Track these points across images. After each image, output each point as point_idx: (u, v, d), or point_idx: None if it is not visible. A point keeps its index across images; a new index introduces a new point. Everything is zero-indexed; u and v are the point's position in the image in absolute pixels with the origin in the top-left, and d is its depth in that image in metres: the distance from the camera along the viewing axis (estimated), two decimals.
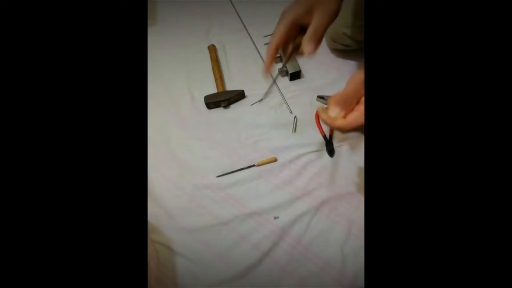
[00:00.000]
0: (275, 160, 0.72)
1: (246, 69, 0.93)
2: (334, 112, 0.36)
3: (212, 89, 0.88)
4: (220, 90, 0.86)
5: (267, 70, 0.44)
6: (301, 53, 0.43)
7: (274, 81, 0.43)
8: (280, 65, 0.88)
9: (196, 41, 1.02)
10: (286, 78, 0.85)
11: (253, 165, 0.72)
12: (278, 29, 0.43)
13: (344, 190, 0.66)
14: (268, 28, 1.00)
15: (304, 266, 0.58)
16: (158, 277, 0.59)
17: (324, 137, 0.73)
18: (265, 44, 0.98)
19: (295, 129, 0.77)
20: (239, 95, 0.85)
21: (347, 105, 0.36)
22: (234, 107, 0.85)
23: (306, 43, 0.41)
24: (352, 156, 0.71)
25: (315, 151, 0.72)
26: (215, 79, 0.89)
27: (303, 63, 0.86)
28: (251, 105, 0.84)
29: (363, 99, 0.36)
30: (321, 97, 0.39)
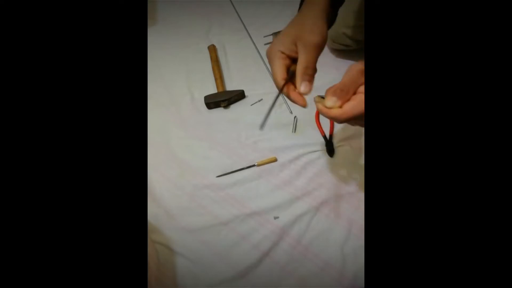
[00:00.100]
0: (275, 160, 0.72)
1: (246, 69, 0.93)
2: (331, 101, 0.36)
3: (212, 89, 0.88)
4: (220, 90, 0.86)
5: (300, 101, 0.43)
6: (293, 98, 0.42)
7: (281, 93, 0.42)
8: None
9: (196, 41, 1.02)
10: None
11: (253, 165, 0.72)
12: (274, 70, 0.41)
13: (344, 190, 0.66)
14: (268, 28, 1.00)
15: (304, 266, 0.58)
16: (158, 277, 0.59)
17: (324, 137, 0.73)
18: (265, 44, 0.98)
19: (295, 129, 0.77)
20: (239, 95, 0.85)
21: (344, 95, 0.36)
22: (234, 107, 0.85)
23: (300, 85, 0.40)
24: (352, 156, 0.71)
25: (315, 151, 0.72)
26: (215, 79, 0.89)
27: None
28: (251, 105, 0.84)
29: (359, 88, 0.36)
30: (321, 97, 0.39)
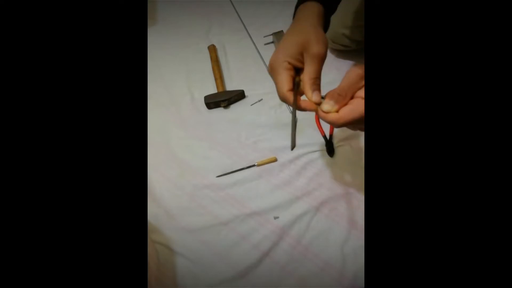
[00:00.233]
0: (275, 160, 0.72)
1: (246, 69, 0.93)
2: (328, 105, 0.35)
3: (212, 89, 0.88)
4: (220, 90, 0.86)
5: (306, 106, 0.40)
6: (305, 107, 0.39)
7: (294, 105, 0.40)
8: None
9: (196, 41, 1.02)
10: None
11: (253, 165, 0.72)
12: (279, 81, 0.39)
13: (344, 190, 0.66)
14: (268, 28, 1.00)
15: (304, 266, 0.58)
16: (158, 277, 0.59)
17: (324, 137, 0.73)
18: (265, 44, 0.98)
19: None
20: (239, 95, 0.85)
21: (341, 99, 0.35)
22: (234, 107, 0.85)
23: (312, 95, 0.38)
24: (352, 156, 0.71)
25: (315, 151, 0.72)
26: (215, 79, 0.89)
27: None
28: (251, 105, 0.84)
29: (357, 93, 0.36)
30: (321, 97, 0.39)
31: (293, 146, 0.38)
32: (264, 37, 0.99)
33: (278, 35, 0.95)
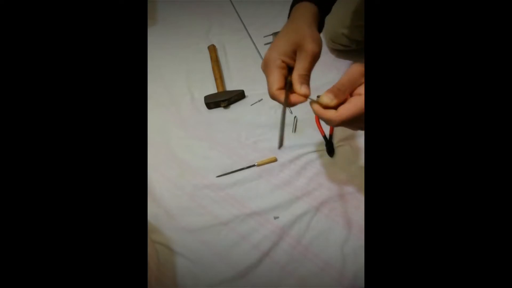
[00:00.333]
0: (275, 160, 0.72)
1: (246, 69, 0.93)
2: (327, 98, 0.35)
3: (212, 89, 0.88)
4: (220, 90, 0.86)
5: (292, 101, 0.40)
6: (294, 101, 0.39)
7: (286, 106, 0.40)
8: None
9: (196, 41, 1.02)
10: None
11: (253, 165, 0.72)
12: (271, 78, 0.39)
13: (344, 190, 0.66)
14: (268, 28, 1.00)
15: (304, 266, 0.58)
16: (158, 277, 0.59)
17: (324, 137, 0.73)
18: (265, 44, 0.98)
19: (295, 129, 0.77)
20: (239, 95, 0.85)
21: (341, 94, 0.35)
22: (234, 107, 0.85)
23: (300, 87, 0.38)
24: (352, 156, 0.71)
25: (315, 151, 0.72)
26: (215, 79, 0.89)
27: None
28: (251, 105, 0.84)
29: (357, 90, 0.36)
30: (315, 98, 0.38)
31: (280, 145, 0.38)
32: (264, 37, 0.99)
33: (277, 36, 0.95)
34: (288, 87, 0.40)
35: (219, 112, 0.84)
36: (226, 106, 0.84)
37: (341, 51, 0.88)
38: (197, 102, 0.87)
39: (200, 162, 0.74)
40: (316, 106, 0.36)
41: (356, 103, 0.34)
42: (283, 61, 0.39)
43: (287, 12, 0.47)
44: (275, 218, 0.64)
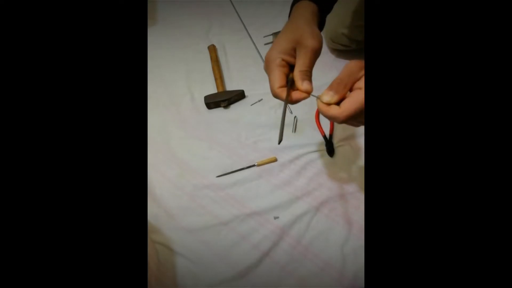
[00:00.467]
0: (275, 160, 0.72)
1: (246, 69, 0.93)
2: (328, 96, 0.35)
3: (212, 89, 0.88)
4: (220, 90, 0.86)
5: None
6: (296, 98, 0.40)
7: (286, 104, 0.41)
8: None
9: (196, 41, 1.02)
10: None
11: (253, 165, 0.72)
12: (272, 77, 0.40)
13: (344, 190, 0.66)
14: (268, 28, 1.00)
15: (304, 266, 0.58)
16: (158, 277, 0.59)
17: (324, 137, 0.73)
18: (265, 44, 0.98)
19: (295, 129, 0.77)
20: (239, 95, 0.85)
21: (341, 88, 0.35)
22: (234, 107, 0.85)
23: (302, 84, 0.38)
24: (352, 156, 0.71)
25: (315, 151, 0.72)
26: (215, 79, 0.89)
27: None
28: (251, 105, 0.84)
29: (356, 84, 0.36)
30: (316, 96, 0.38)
31: (280, 140, 0.38)
32: (264, 37, 0.99)
33: (278, 35, 0.95)
34: (290, 84, 0.40)
35: (219, 112, 0.84)
36: (226, 106, 0.84)
37: (341, 51, 0.88)
38: (197, 102, 0.87)
39: (200, 162, 0.74)
40: (321, 104, 0.37)
41: (357, 98, 0.34)
42: (283, 59, 0.40)
43: (287, 12, 0.48)
44: (275, 218, 0.64)
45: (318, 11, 0.44)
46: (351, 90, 0.36)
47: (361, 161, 0.69)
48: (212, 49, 0.96)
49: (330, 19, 0.50)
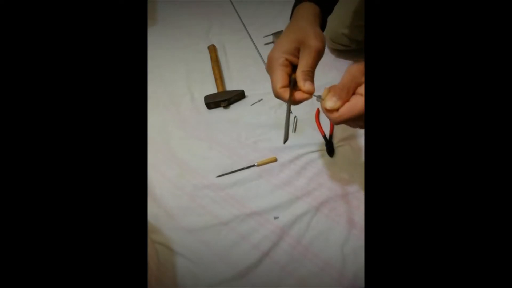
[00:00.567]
0: (275, 160, 0.72)
1: (246, 69, 0.93)
2: (331, 102, 0.35)
3: (212, 89, 0.88)
4: (220, 90, 0.86)
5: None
6: (299, 98, 0.40)
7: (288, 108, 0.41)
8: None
9: (196, 41, 1.02)
10: None
11: (253, 165, 0.72)
12: (275, 77, 0.40)
13: (344, 190, 0.66)
14: (268, 28, 1.00)
15: (304, 266, 0.58)
16: (158, 277, 0.59)
17: (324, 137, 0.73)
18: (265, 44, 0.98)
19: (295, 129, 0.77)
20: (239, 95, 0.85)
21: (344, 95, 0.34)
22: (234, 107, 0.85)
23: (304, 84, 0.39)
24: (352, 156, 0.71)
25: (315, 151, 0.72)
26: (215, 79, 0.89)
27: None
28: (251, 105, 0.84)
29: (358, 89, 0.36)
30: (318, 96, 0.38)
31: (285, 139, 0.38)
32: (264, 37, 0.99)
33: (278, 35, 0.95)
34: (292, 85, 0.40)
35: (219, 112, 0.84)
36: (226, 106, 0.84)
37: (341, 51, 0.88)
38: (197, 102, 0.87)
39: (200, 162, 0.74)
40: (323, 107, 0.36)
41: (356, 103, 0.34)
42: (286, 59, 0.40)
43: (287, 12, 0.48)
44: (275, 218, 0.64)
45: (320, 13, 0.45)
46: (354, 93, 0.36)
47: (361, 161, 0.70)
48: (212, 49, 0.96)
49: (331, 19, 0.50)
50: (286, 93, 0.39)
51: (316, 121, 0.75)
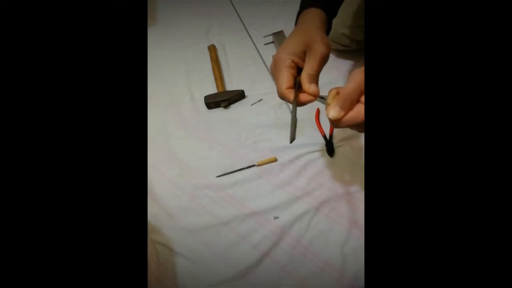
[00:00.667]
0: (275, 160, 0.72)
1: (246, 69, 0.93)
2: (335, 111, 0.34)
3: (212, 89, 0.88)
4: (220, 90, 0.86)
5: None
6: (303, 100, 0.41)
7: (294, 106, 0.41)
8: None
9: (196, 41, 1.02)
10: None
11: (253, 165, 0.72)
12: (280, 78, 0.40)
13: (344, 190, 0.66)
14: (268, 28, 1.00)
15: (304, 266, 0.58)
16: (158, 277, 0.59)
17: (324, 137, 0.73)
18: (265, 44, 0.98)
19: None
20: (239, 95, 0.85)
21: (348, 104, 0.34)
22: (234, 107, 0.85)
23: (309, 86, 0.39)
24: (352, 156, 0.71)
25: (315, 151, 0.72)
26: (215, 79, 0.89)
27: None
28: (251, 105, 0.84)
29: (362, 98, 0.35)
30: (321, 97, 0.38)
31: (292, 139, 0.38)
32: (264, 37, 0.99)
33: (278, 35, 0.95)
34: (297, 87, 0.40)
35: (219, 112, 0.84)
36: (226, 106, 0.84)
37: (342, 51, 0.88)
38: (197, 102, 0.87)
39: (200, 162, 0.74)
40: (326, 113, 0.36)
41: (359, 113, 0.33)
42: (292, 61, 0.40)
43: (287, 12, 0.48)
44: (275, 218, 0.64)
45: (326, 18, 0.45)
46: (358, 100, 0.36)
47: (361, 161, 0.69)
48: (212, 49, 0.96)
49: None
50: (290, 94, 0.40)
51: (316, 121, 0.75)
